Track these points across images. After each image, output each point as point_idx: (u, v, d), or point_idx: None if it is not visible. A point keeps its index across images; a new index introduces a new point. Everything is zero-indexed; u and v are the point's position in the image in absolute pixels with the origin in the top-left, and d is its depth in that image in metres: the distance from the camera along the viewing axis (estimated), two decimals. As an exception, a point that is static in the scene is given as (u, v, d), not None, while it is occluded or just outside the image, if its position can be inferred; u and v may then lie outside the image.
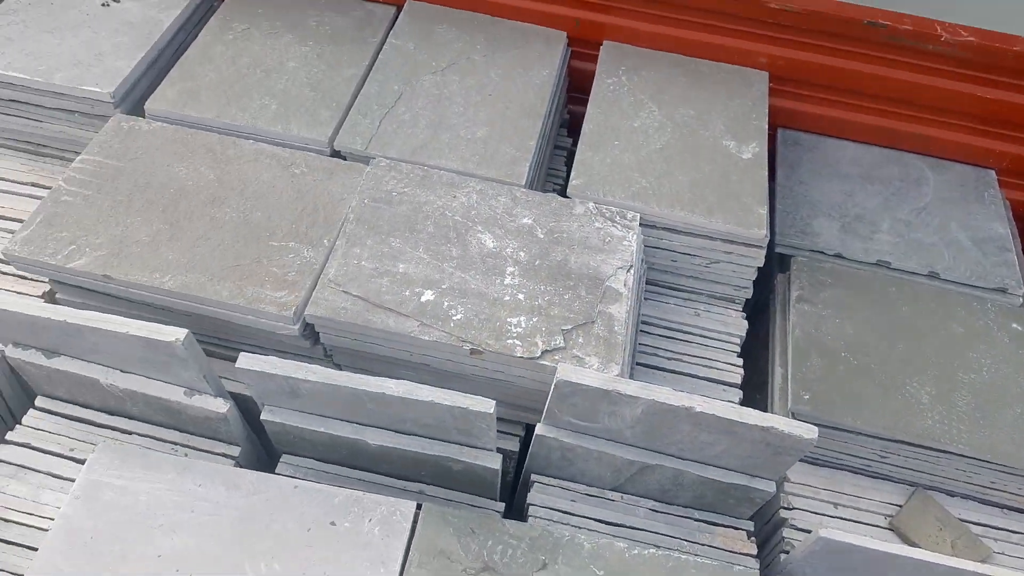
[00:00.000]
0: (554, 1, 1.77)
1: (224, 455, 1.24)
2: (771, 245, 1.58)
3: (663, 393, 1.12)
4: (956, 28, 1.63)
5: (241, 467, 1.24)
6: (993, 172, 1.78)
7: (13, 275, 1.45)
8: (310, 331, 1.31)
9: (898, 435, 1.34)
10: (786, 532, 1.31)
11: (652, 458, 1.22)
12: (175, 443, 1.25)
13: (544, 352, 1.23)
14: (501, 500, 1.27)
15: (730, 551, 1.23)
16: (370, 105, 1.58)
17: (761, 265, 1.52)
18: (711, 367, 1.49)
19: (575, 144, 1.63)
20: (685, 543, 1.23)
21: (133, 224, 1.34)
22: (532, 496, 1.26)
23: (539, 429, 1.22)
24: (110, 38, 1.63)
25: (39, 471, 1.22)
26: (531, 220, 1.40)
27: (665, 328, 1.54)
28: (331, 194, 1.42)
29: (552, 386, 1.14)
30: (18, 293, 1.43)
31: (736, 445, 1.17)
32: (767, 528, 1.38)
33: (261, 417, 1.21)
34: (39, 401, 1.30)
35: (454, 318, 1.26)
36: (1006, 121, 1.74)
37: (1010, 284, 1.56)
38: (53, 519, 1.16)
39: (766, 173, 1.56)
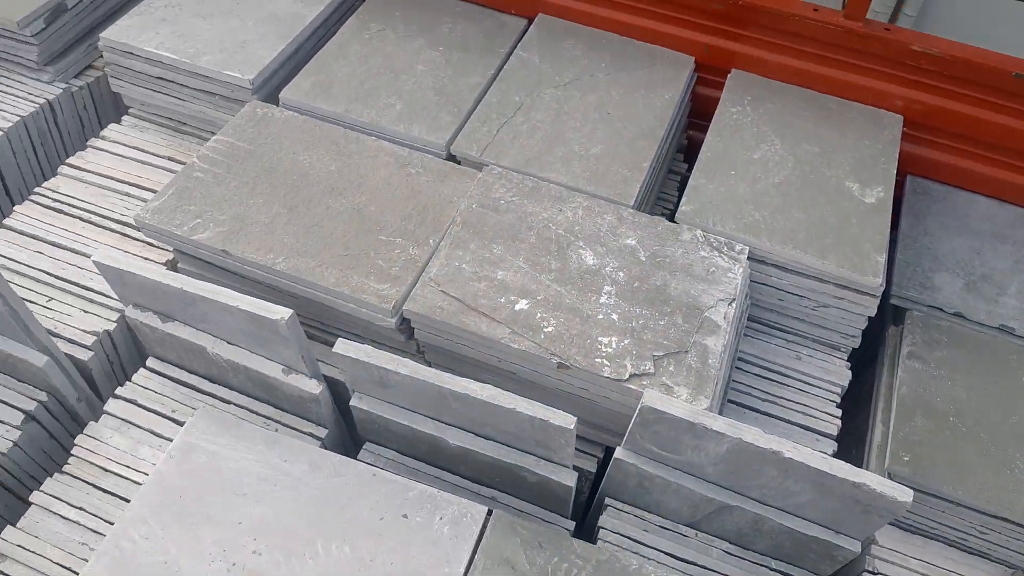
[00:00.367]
0: (685, 26, 1.75)
1: (311, 435, 1.29)
2: (885, 295, 1.50)
3: (752, 433, 1.09)
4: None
5: (326, 448, 1.28)
6: None
7: (142, 241, 1.55)
8: (406, 326, 1.34)
9: (1002, 511, 1.25)
10: (867, 597, 1.25)
11: (732, 499, 1.18)
12: (268, 417, 1.31)
13: (632, 375, 1.22)
14: (572, 519, 1.26)
15: (804, 608, 1.18)
16: (490, 113, 1.60)
17: (873, 315, 1.45)
18: (807, 414, 1.43)
19: (690, 170, 1.60)
20: (757, 592, 1.19)
21: (255, 205, 1.41)
22: (604, 520, 1.24)
23: (618, 453, 1.20)
24: (256, 28, 1.73)
25: (141, 427, 1.29)
26: (635, 241, 1.38)
27: (763, 368, 1.49)
28: (442, 196, 1.45)
29: (636, 411, 1.12)
30: (144, 259, 1.52)
31: (823, 497, 1.12)
32: (847, 590, 1.31)
33: (350, 403, 1.24)
34: (150, 362, 1.38)
35: (545, 330, 1.26)
36: None
37: None
38: (147, 474, 1.23)
39: (889, 220, 1.49)
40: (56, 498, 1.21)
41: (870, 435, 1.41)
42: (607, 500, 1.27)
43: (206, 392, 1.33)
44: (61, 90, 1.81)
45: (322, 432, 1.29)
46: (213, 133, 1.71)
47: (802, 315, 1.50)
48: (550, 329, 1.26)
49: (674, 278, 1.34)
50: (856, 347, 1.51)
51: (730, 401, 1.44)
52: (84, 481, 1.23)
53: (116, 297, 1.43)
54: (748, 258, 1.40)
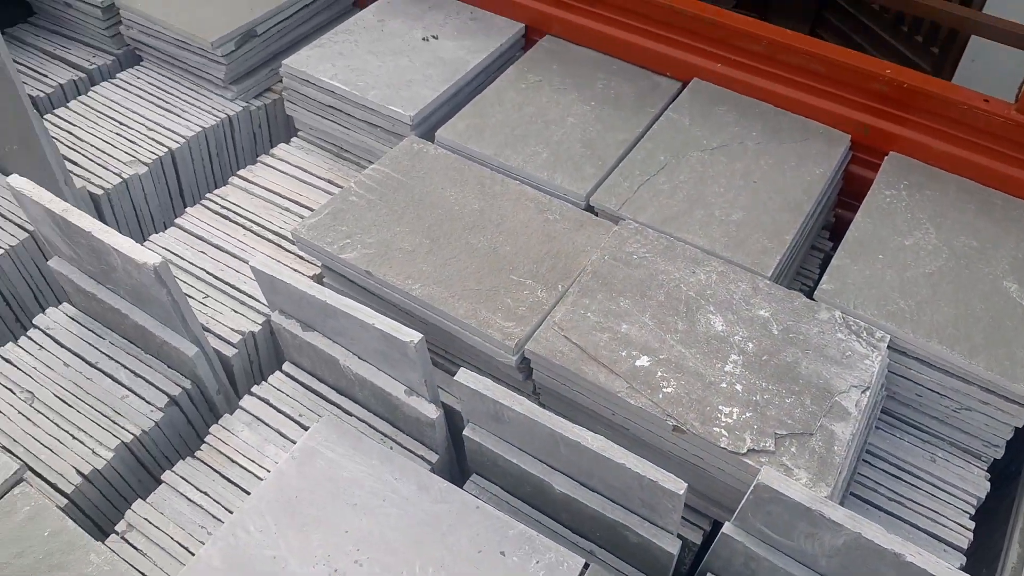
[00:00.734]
0: (844, 103, 1.72)
1: (423, 458, 1.32)
2: (1037, 406, 1.40)
3: (873, 530, 1.03)
4: None
5: (434, 473, 1.30)
6: None
7: (294, 254, 1.66)
8: (526, 365, 1.36)
9: None
10: None
11: (843, 596, 1.11)
12: (385, 435, 1.35)
13: (750, 450, 1.18)
14: (669, 587, 1.22)
15: None
16: (633, 170, 1.62)
17: (1020, 425, 1.35)
18: (936, 521, 1.34)
19: (834, 249, 1.56)
20: None
21: (400, 232, 1.48)
22: (702, 594, 1.20)
23: (727, 528, 1.16)
24: (422, 69, 1.83)
25: (269, 426, 1.37)
26: (768, 313, 1.36)
27: (892, 465, 1.41)
28: (576, 244, 1.48)
29: (751, 488, 1.09)
30: (294, 270, 1.62)
31: (945, 612, 1.04)
32: None
33: (463, 433, 1.27)
34: (286, 366, 1.46)
35: (664, 390, 1.25)
36: None
37: None
38: (269, 471, 1.29)
39: (1049, 326, 1.39)
40: (185, 480, 1.30)
41: (1004, 555, 1.30)
42: (709, 574, 1.23)
43: (332, 402, 1.40)
44: (241, 108, 1.98)
45: (433, 457, 1.33)
46: (371, 162, 1.82)
47: (942, 415, 1.41)
48: (669, 390, 1.25)
49: (806, 357, 1.30)
50: (998, 458, 1.40)
51: (853, 494, 1.37)
52: (212, 468, 1.32)
53: (265, 302, 1.53)
54: (888, 347, 1.34)
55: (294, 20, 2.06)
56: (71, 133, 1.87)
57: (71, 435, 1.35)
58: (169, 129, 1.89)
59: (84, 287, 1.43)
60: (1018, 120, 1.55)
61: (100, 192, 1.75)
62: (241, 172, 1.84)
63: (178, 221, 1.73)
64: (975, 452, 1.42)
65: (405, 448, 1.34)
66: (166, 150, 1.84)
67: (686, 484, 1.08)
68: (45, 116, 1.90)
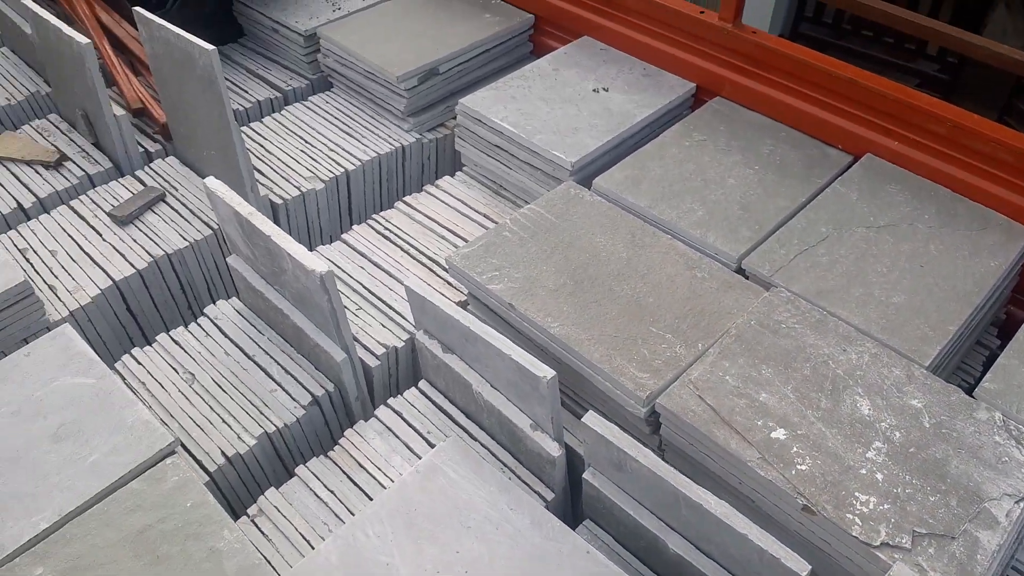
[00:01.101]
0: (1031, 196, 1.62)
1: (539, 494, 1.33)
2: None
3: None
4: None
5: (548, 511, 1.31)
6: None
7: (443, 279, 1.73)
8: (654, 419, 1.34)
9: None
10: None
11: None
12: (505, 464, 1.37)
13: (884, 544, 1.11)
14: (777, 674, 1.16)
15: None
16: (791, 238, 1.59)
17: None
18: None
19: (1001, 347, 1.45)
20: None
21: (546, 272, 1.52)
22: None
23: (848, 621, 1.10)
24: (588, 118, 1.88)
25: (399, 438, 1.43)
26: (921, 404, 1.28)
27: (1043, 589, 1.28)
28: (721, 305, 1.45)
29: (880, 582, 1.02)
30: (441, 294, 1.69)
31: None
32: None
33: (583, 476, 1.27)
34: (421, 383, 1.52)
35: (798, 467, 1.20)
36: None
37: None
38: (393, 481, 1.34)
39: None
40: (316, 476, 1.37)
41: None
42: (821, 669, 1.16)
43: (460, 424, 1.44)
44: (415, 139, 2.10)
45: (549, 495, 1.33)
46: (527, 201, 1.88)
47: (1111, 545, 1.27)
48: (804, 467, 1.20)
49: (957, 456, 1.21)
50: None
51: (994, 613, 1.25)
52: (341, 469, 1.38)
53: (412, 321, 1.61)
54: (1054, 459, 1.22)
55: (474, 63, 2.18)
56: (261, 146, 2.05)
57: (221, 418, 1.46)
58: (348, 151, 2.03)
59: (254, 285, 1.56)
60: None
61: (280, 201, 1.90)
62: (407, 198, 1.94)
63: (344, 236, 1.85)
64: None
65: (523, 481, 1.35)
66: (343, 170, 1.98)
67: (810, 567, 1.03)
68: (242, 128, 2.10)
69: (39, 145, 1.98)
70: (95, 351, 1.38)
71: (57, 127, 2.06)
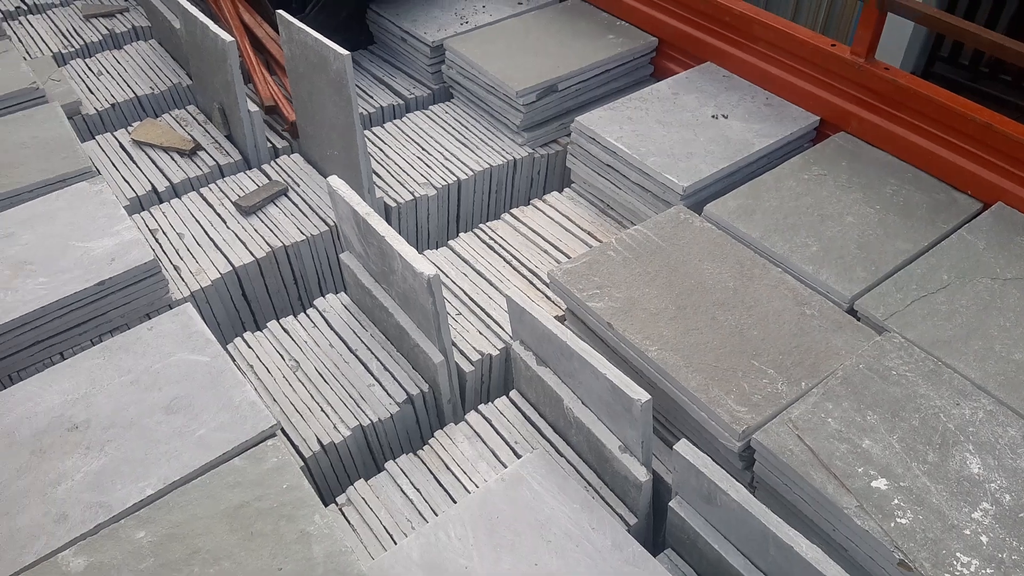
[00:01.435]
0: None
1: (621, 517, 1.31)
2: None
3: None
4: None
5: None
6: None
7: (542, 292, 1.75)
8: (747, 454, 1.31)
9: None
10: None
11: None
12: (589, 483, 1.37)
13: (988, 614, 1.05)
14: None
15: None
16: (910, 283, 1.52)
17: None
18: None
19: None
20: None
21: (648, 294, 1.51)
22: None
23: None
24: (705, 144, 1.86)
25: (487, 444, 1.44)
26: (1040, 470, 1.20)
27: None
28: (829, 345, 1.41)
29: (981, 653, 0.96)
30: (540, 307, 1.70)
31: None
32: None
33: (669, 504, 1.25)
34: (512, 393, 1.53)
35: (898, 519, 1.14)
36: None
37: None
38: (478, 486, 1.36)
39: None
40: (404, 473, 1.40)
41: None
42: None
43: (547, 438, 1.44)
44: (527, 153, 2.12)
45: (632, 519, 1.31)
46: (633, 222, 1.87)
47: None
48: (904, 521, 1.14)
49: (1078, 529, 1.13)
50: None
51: None
52: (428, 469, 1.41)
53: (509, 330, 1.62)
54: None
55: (592, 83, 2.19)
56: (381, 150, 2.13)
57: (320, 407, 1.51)
58: (462, 161, 2.08)
59: (364, 282, 1.61)
60: None
61: (393, 204, 1.96)
62: (513, 210, 1.97)
63: (451, 243, 1.89)
64: None
65: (606, 502, 1.34)
66: (455, 179, 2.03)
67: (903, 626, 0.98)
68: (364, 131, 2.18)
69: (177, 133, 2.12)
70: (211, 331, 1.46)
71: (194, 118, 2.19)
